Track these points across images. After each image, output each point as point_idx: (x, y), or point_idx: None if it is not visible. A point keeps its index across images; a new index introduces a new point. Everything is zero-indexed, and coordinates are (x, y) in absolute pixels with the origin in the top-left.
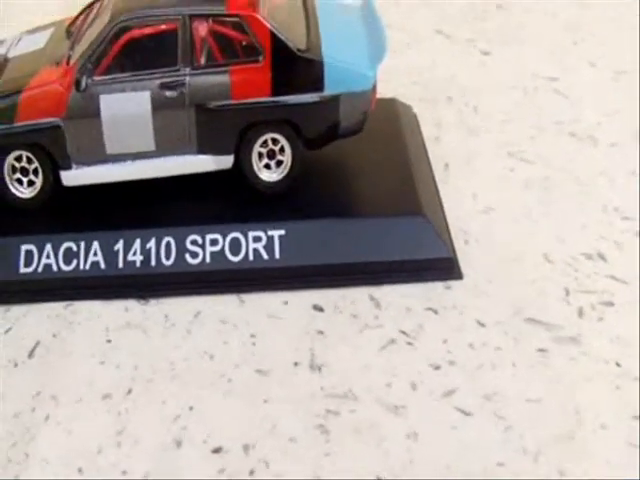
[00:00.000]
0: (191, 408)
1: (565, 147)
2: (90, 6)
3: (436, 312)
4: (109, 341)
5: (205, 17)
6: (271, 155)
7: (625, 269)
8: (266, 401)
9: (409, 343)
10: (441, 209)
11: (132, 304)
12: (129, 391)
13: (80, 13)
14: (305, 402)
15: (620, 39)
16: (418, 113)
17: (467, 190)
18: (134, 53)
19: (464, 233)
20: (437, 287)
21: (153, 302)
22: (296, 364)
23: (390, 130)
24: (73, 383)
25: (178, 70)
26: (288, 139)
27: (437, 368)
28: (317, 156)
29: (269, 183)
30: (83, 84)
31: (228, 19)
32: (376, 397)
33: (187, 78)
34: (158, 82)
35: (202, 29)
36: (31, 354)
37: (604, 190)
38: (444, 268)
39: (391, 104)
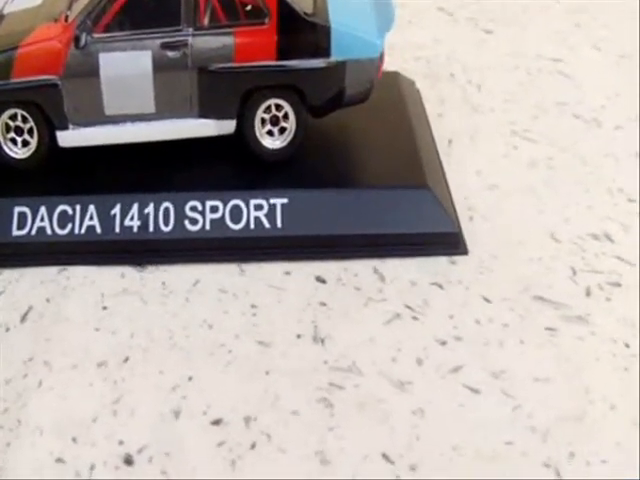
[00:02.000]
0: (190, 378)
1: (569, 128)
2: None
3: (441, 287)
4: (105, 308)
5: None
6: (274, 121)
7: (632, 250)
8: (268, 373)
9: (414, 318)
10: (446, 184)
11: (128, 271)
12: (126, 359)
13: None
14: (308, 375)
15: (623, 23)
16: (421, 89)
17: (471, 167)
18: (135, 11)
19: (469, 209)
20: (442, 262)
21: (150, 269)
22: (299, 336)
23: (394, 103)
24: (67, 349)
25: (181, 30)
26: (292, 105)
27: (443, 344)
28: (321, 125)
29: (271, 150)
30: (82, 41)
31: None
32: (381, 372)
33: (190, 39)
34: (159, 42)
35: None
36: (24, 319)
37: (609, 171)
38: (449, 243)
39: (394, 77)
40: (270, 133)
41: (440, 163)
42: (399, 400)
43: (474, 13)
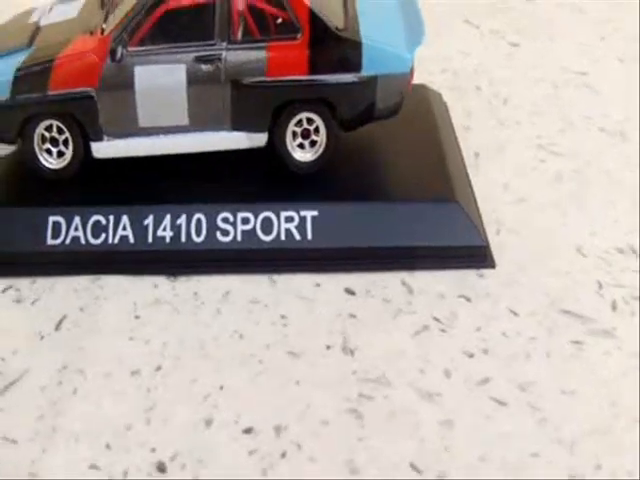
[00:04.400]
0: (221, 387)
1: (595, 142)
2: None
3: (469, 300)
4: (137, 317)
5: None
6: (305, 135)
7: None
8: (298, 383)
9: (442, 330)
10: (473, 197)
11: (161, 280)
12: (158, 368)
13: None
14: (338, 385)
15: None
16: (447, 102)
17: (498, 180)
18: (170, 25)
19: (496, 223)
20: (470, 275)
21: (182, 279)
22: (328, 347)
23: (422, 116)
24: (101, 358)
25: (214, 44)
26: (323, 119)
27: (471, 356)
28: (350, 138)
29: (302, 163)
30: (118, 54)
31: None
32: (410, 383)
33: (223, 53)
34: (194, 55)
35: (240, 3)
36: (58, 327)
37: (634, 185)
38: (477, 256)
39: (422, 90)
40: (301, 146)
41: (467, 176)
42: (427, 411)
43: (500, 25)
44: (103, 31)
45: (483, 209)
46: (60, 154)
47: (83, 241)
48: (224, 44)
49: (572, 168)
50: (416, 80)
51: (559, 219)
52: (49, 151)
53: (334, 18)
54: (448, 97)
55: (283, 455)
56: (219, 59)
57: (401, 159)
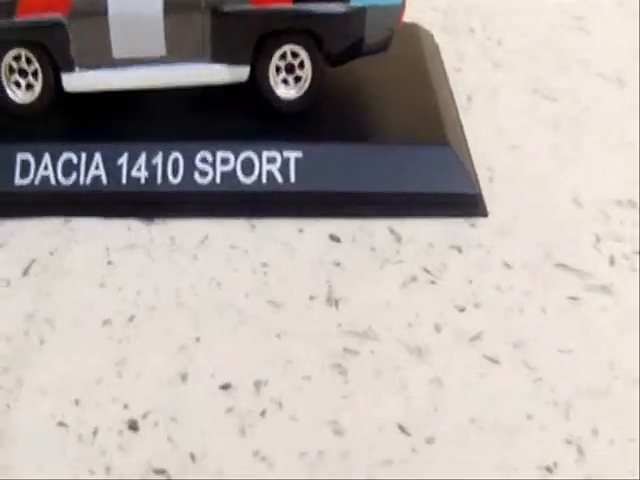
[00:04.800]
0: (198, 339)
1: (592, 87)
2: None
3: (460, 250)
4: (110, 262)
5: None
6: (289, 69)
7: None
8: (279, 336)
9: (432, 282)
10: (465, 142)
11: (135, 224)
12: (131, 318)
13: None
14: (321, 339)
15: None
16: (439, 43)
17: (491, 125)
18: None
19: (489, 170)
20: (460, 224)
21: (158, 222)
22: (312, 297)
23: (412, 55)
24: (71, 306)
25: None
26: (309, 52)
27: (462, 310)
28: (337, 75)
29: (286, 100)
30: None
31: None
32: (397, 337)
33: None
34: None
35: None
36: (25, 272)
37: (633, 133)
38: (469, 204)
39: (412, 29)
40: (285, 82)
41: (459, 120)
42: (416, 368)
43: None
44: None
45: (475, 155)
46: (29, 87)
47: (53, 181)
48: None
49: (568, 114)
50: (405, 18)
51: (554, 167)
52: (17, 83)
53: None
54: (439, 38)
55: (263, 413)
56: None
57: (390, 99)
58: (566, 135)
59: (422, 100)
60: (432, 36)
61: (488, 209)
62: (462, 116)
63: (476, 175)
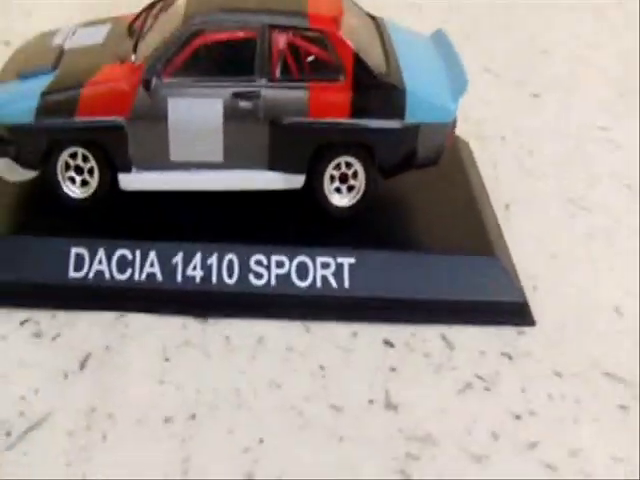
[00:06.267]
0: (261, 440)
1: (622, 198)
2: (152, 5)
3: (511, 358)
4: (167, 359)
5: (286, 29)
6: (343, 179)
7: None
8: (342, 439)
9: (486, 389)
10: (508, 251)
11: (190, 322)
12: (193, 416)
13: (143, 10)
14: (383, 443)
15: None
16: (474, 151)
17: (530, 234)
18: (207, 57)
19: (532, 278)
20: (510, 332)
21: (212, 322)
22: (371, 402)
23: (453, 164)
24: (131, 402)
25: (254, 81)
26: (363, 164)
27: (518, 418)
28: (386, 184)
29: (339, 208)
30: (152, 85)
31: (310, 33)
32: (457, 443)
33: (263, 90)
34: (232, 91)
35: (281, 41)
36: (82, 366)
37: None
38: (517, 312)
39: None
40: (338, 190)
41: (500, 228)
42: (477, 474)
43: (521, 75)
44: (135, 59)
45: (517, 262)
46: (84, 183)
47: (107, 275)
48: (263, 81)
49: (602, 224)
50: None
51: (593, 276)
52: (72, 179)
53: (376, 61)
54: (473, 146)
55: None
56: (258, 96)
57: (436, 208)
58: (602, 245)
59: (466, 209)
60: (468, 144)
61: (534, 317)
62: (502, 223)
63: (521, 284)
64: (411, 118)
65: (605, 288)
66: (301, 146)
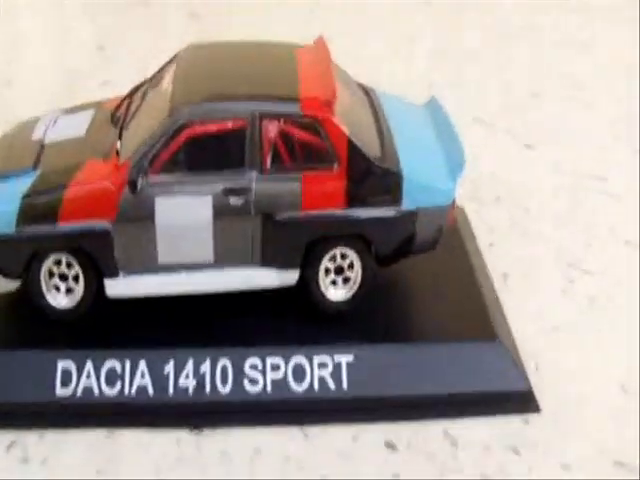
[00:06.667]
0: None
1: (622, 258)
2: (136, 90)
3: (517, 452)
4: None
5: (277, 116)
6: (338, 271)
7: None
8: None
9: None
10: (509, 331)
11: (184, 436)
12: None
13: (126, 96)
14: None
15: None
16: (468, 214)
17: (530, 306)
18: (195, 151)
19: (534, 356)
20: (514, 421)
21: (207, 433)
22: None
23: (450, 234)
24: None
25: (244, 173)
26: (358, 254)
27: None
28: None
29: (334, 302)
30: (138, 185)
31: (301, 120)
32: None
33: (254, 184)
34: (221, 187)
35: (272, 129)
36: None
37: None
38: (521, 401)
39: None
40: (333, 282)
41: (500, 305)
42: None
43: (512, 123)
44: (117, 152)
45: (518, 340)
46: (69, 291)
47: (96, 391)
48: (254, 174)
49: (603, 288)
50: None
51: (598, 351)
52: (57, 287)
53: (370, 145)
54: (468, 209)
55: None
56: (249, 191)
57: (434, 291)
58: (604, 313)
59: (465, 288)
60: (463, 210)
61: (538, 401)
62: (500, 296)
63: (524, 367)
64: (408, 204)
65: (609, 362)
66: (294, 241)
